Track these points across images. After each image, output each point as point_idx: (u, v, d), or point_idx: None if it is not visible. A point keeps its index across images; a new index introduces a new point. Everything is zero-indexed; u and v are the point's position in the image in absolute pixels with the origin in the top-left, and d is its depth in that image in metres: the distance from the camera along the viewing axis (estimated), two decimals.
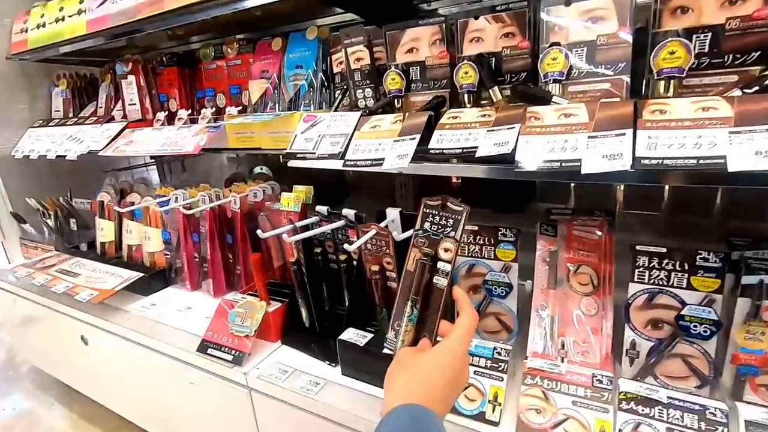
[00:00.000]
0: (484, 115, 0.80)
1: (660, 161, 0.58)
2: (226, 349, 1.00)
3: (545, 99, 0.75)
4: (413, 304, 0.66)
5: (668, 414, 0.66)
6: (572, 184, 1.37)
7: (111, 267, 1.43)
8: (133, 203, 1.47)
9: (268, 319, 1.03)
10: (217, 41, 1.39)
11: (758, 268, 0.66)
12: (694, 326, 0.71)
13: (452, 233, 0.68)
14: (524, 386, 0.75)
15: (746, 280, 0.66)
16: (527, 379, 0.76)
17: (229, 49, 1.33)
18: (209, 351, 1.02)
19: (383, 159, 0.82)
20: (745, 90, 0.62)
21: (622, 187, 1.26)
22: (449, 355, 0.55)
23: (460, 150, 0.76)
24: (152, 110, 1.53)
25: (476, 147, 0.74)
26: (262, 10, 1.04)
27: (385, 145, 0.85)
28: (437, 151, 0.78)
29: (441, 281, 0.67)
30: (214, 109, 1.36)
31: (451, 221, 0.68)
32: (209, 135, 1.18)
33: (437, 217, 0.70)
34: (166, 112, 1.47)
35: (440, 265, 0.67)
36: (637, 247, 0.75)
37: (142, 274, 1.33)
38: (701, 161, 0.55)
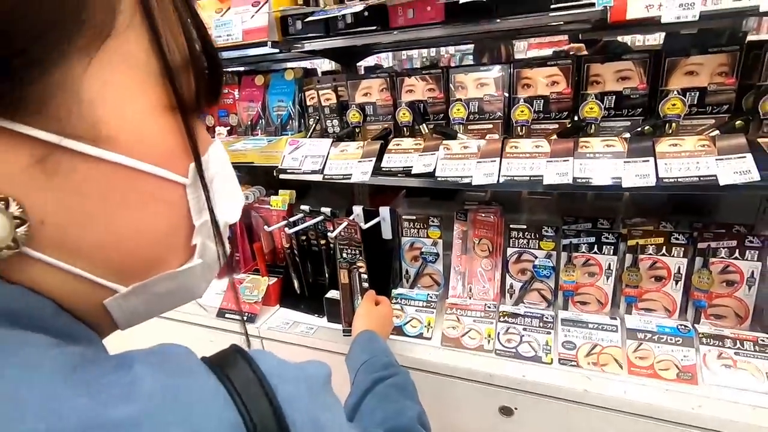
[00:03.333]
0: (417, 144, 1.23)
1: (512, 178, 1.04)
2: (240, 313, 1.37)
3: (453, 136, 1.19)
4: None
5: (524, 320, 1.15)
6: None
7: None
8: None
9: (269, 289, 1.41)
10: None
11: (570, 235, 1.15)
12: (542, 271, 1.20)
13: (361, 257, 1.13)
14: (446, 315, 1.21)
15: (564, 242, 1.15)
16: (448, 310, 1.21)
17: None
18: (227, 315, 1.38)
19: (351, 174, 1.23)
20: (558, 135, 1.09)
21: None
22: (387, 311, 1.04)
23: (402, 168, 1.19)
24: None
25: (412, 166, 1.17)
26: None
27: (351, 165, 1.25)
28: (387, 169, 1.20)
29: (365, 283, 1.14)
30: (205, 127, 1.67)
31: (357, 251, 1.13)
32: None
33: (348, 248, 1.14)
34: None
35: (362, 275, 1.13)
36: (511, 226, 1.22)
37: None
38: (532, 178, 1.02)
